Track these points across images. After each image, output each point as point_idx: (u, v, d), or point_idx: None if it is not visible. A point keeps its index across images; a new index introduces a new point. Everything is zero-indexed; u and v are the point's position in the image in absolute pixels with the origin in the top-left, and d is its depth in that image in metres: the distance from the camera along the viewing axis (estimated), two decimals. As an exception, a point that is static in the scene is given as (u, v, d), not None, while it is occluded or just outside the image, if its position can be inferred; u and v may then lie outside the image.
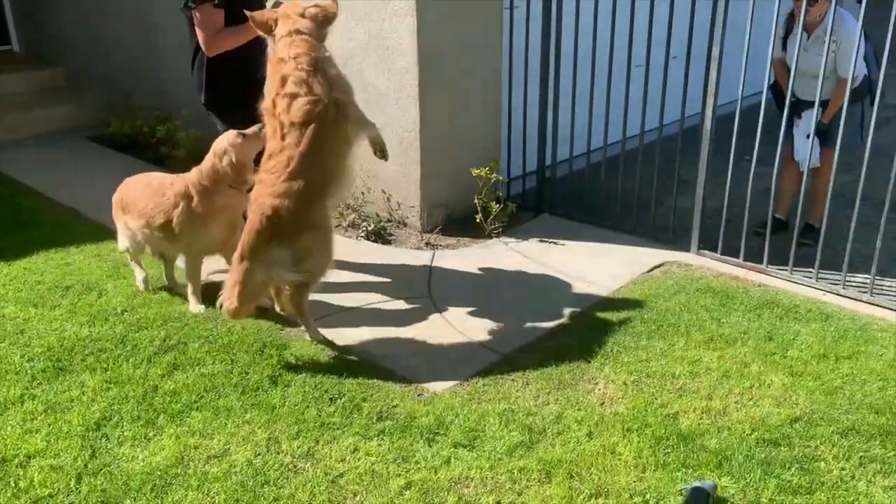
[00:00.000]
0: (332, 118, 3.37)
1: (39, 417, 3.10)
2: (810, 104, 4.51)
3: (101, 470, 2.80)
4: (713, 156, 4.54)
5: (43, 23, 7.97)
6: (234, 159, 3.74)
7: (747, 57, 4.25)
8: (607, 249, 4.79)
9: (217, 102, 4.05)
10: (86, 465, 2.82)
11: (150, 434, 3.01)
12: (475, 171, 4.92)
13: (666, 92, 4.67)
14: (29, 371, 3.41)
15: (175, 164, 5.90)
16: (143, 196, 3.92)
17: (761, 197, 4.58)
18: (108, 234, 4.89)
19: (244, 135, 3.77)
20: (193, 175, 3.84)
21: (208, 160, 3.82)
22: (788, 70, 4.44)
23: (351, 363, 3.55)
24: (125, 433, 3.01)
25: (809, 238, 4.59)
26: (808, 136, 4.50)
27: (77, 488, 2.71)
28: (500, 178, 5.06)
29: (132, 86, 7.07)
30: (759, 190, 4.48)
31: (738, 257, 4.54)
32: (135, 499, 2.66)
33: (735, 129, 4.38)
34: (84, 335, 3.70)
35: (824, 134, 4.53)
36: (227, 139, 3.78)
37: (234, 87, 3.93)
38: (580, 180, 5.22)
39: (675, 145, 4.69)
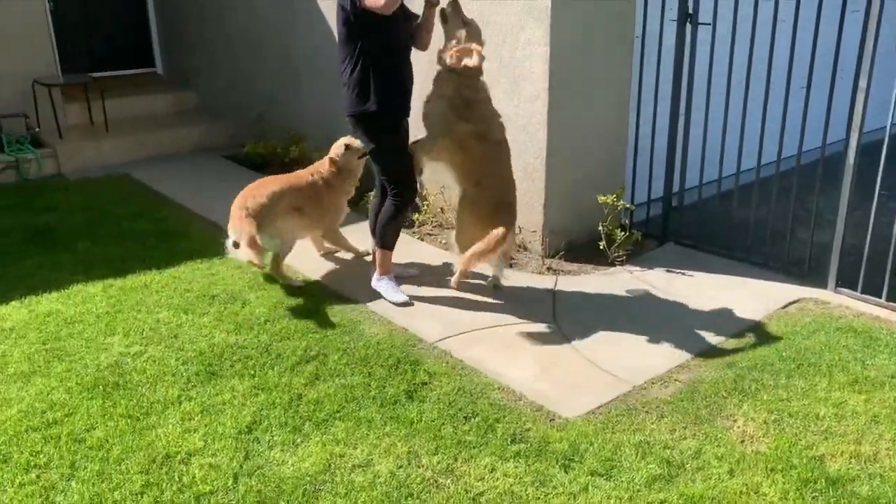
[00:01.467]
0: None
1: (196, 418, 3.31)
2: None
3: (255, 472, 2.97)
4: (854, 188, 4.37)
5: (184, 48, 8.54)
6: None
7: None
8: (738, 282, 4.68)
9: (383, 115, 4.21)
10: (241, 466, 3.00)
11: (298, 440, 3.16)
12: (601, 198, 4.92)
13: (806, 118, 4.54)
14: (184, 374, 3.65)
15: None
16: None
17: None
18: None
19: (348, 146, 4.69)
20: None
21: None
22: None
23: (481, 384, 3.61)
24: (275, 438, 3.17)
25: None
26: None
27: (235, 487, 2.88)
28: (627, 205, 5.03)
29: (266, 107, 7.47)
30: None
31: (879, 297, 4.33)
32: (288, 501, 2.80)
33: (882, 162, 4.22)
34: (231, 342, 3.92)
35: None
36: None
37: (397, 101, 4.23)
38: (709, 209, 5.13)
39: (813, 175, 4.55)
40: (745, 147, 4.82)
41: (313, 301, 4.39)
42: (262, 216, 4.40)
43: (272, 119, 7.30)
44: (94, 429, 3.23)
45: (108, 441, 3.15)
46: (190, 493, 2.84)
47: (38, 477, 2.94)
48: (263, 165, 6.89)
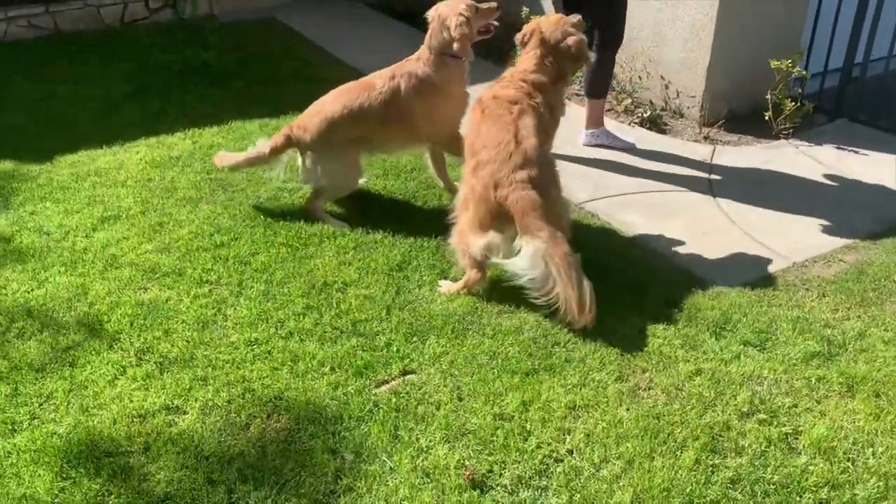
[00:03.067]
0: None
1: (350, 253, 3.43)
2: None
3: (406, 305, 3.08)
4: None
5: None
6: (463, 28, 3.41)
7: None
8: (919, 165, 4.26)
9: None
10: (393, 300, 3.11)
11: (446, 282, 3.23)
12: (774, 63, 4.51)
13: None
14: (338, 211, 3.76)
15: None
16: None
17: None
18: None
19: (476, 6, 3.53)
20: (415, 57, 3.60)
21: (433, 29, 3.55)
22: None
23: (631, 247, 3.53)
24: (423, 278, 3.26)
25: None
26: None
27: (388, 318, 3.00)
28: (803, 72, 4.59)
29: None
30: None
31: None
32: (438, 335, 2.90)
33: None
34: (380, 187, 3.99)
35: None
36: (458, 4, 3.50)
37: None
38: (894, 84, 4.62)
39: None
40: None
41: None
42: None
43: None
44: (258, 254, 3.42)
45: (270, 265, 3.33)
46: (347, 319, 2.99)
47: (210, 291, 3.17)
48: (407, 16, 6.75)
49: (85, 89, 5.29)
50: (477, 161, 3.10)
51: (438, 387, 2.66)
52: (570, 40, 3.32)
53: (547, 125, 3.29)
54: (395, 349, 2.84)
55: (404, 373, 2.73)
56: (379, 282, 3.23)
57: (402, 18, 6.80)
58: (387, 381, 2.69)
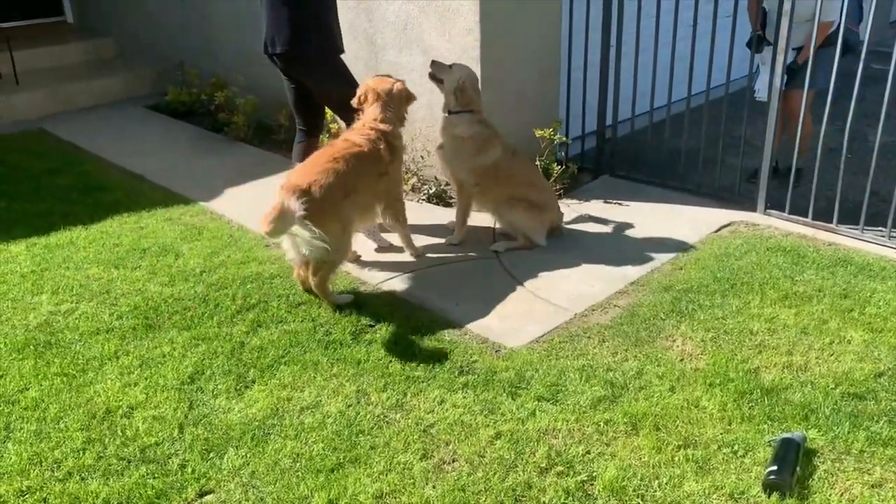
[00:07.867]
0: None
1: (136, 372, 3.22)
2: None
3: (201, 420, 2.92)
4: (780, 112, 4.47)
5: (95, -7, 8.05)
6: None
7: (820, 10, 4.17)
8: (672, 209, 4.77)
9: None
10: (186, 416, 2.94)
11: (243, 387, 3.11)
12: (538, 132, 4.91)
13: (733, 48, 4.60)
14: (119, 329, 3.53)
15: (235, 130, 6.01)
16: None
17: (829, 155, 4.51)
18: (176, 198, 5.01)
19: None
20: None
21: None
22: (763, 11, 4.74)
23: (426, 321, 3.61)
24: (219, 386, 3.12)
25: (798, 181, 4.63)
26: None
27: (181, 437, 2.82)
28: (564, 138, 5.04)
29: (185, 54, 7.14)
30: (825, 149, 4.40)
31: (806, 216, 4.49)
32: (237, 447, 2.76)
33: (806, 84, 4.32)
34: (167, 294, 3.81)
35: (794, 73, 4.65)
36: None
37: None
38: (641, 140, 5.19)
39: (741, 103, 4.64)
40: (675, 77, 4.86)
41: (249, 250, 4.29)
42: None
43: (192, 63, 6.99)
44: (28, 389, 3.10)
45: (43, 400, 3.03)
46: (135, 446, 2.78)
47: (-30, 442, 2.82)
48: (188, 114, 6.64)
49: None
50: None
51: (240, 503, 2.52)
52: (397, 86, 4.02)
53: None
54: (189, 470, 2.66)
55: (201, 494, 2.57)
56: (169, 399, 3.04)
57: (183, 117, 6.67)
58: (183, 507, 2.51)
